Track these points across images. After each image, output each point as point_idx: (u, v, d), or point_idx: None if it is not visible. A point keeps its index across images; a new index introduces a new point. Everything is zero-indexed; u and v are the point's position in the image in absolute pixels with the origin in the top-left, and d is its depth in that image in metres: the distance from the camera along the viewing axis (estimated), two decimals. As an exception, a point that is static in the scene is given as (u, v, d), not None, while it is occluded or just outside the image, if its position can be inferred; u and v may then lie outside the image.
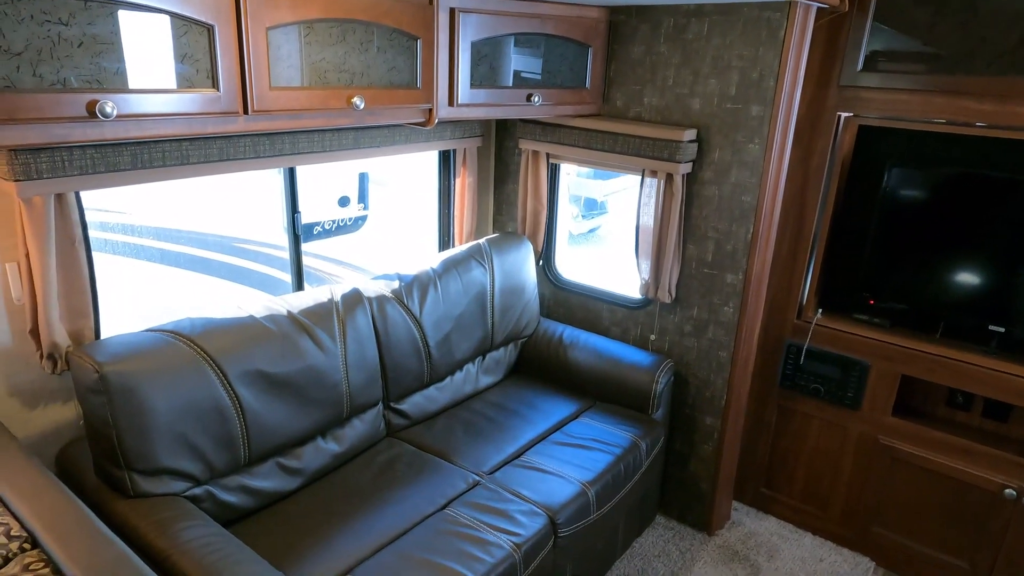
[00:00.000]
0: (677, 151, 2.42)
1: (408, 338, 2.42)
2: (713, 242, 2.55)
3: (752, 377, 2.77)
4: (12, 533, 1.29)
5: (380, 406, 2.40)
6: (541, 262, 3.06)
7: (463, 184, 2.90)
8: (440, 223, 3.05)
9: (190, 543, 1.60)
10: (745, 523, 2.90)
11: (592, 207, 7.83)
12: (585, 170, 7.59)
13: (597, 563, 2.47)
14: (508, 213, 3.16)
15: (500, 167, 3.12)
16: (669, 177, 2.49)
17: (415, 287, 2.49)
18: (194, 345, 1.88)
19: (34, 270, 1.74)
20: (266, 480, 2.04)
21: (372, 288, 2.40)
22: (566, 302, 3.06)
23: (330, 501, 2.07)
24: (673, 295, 2.64)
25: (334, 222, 4.21)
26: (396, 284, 2.46)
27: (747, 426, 2.88)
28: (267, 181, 4.36)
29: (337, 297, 2.27)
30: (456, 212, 2.98)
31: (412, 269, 2.56)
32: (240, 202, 4.35)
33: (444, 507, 2.07)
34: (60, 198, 1.74)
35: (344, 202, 4.79)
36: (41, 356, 1.83)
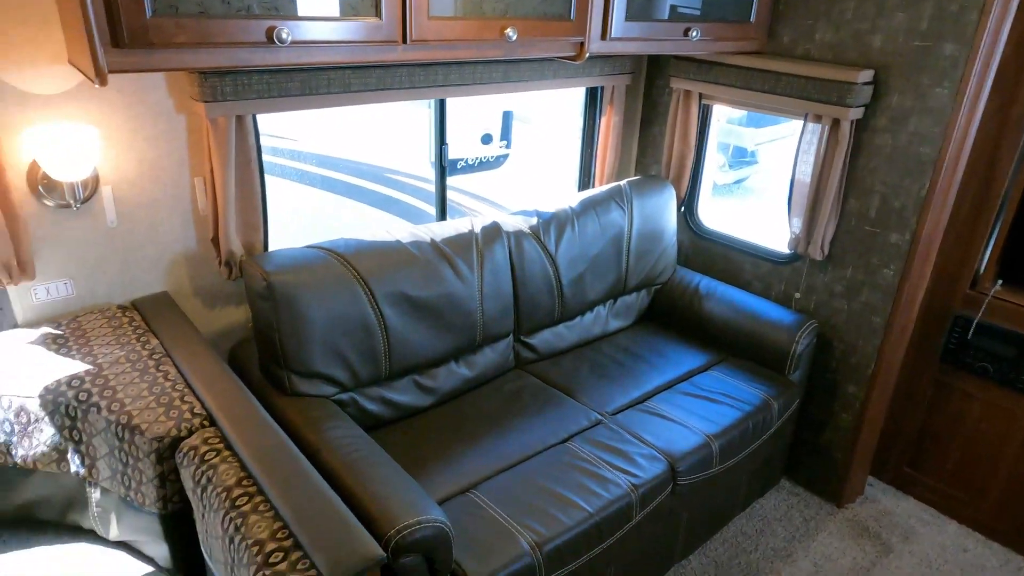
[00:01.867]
0: (848, 94, 2.20)
1: (542, 274, 2.45)
2: (879, 197, 2.32)
3: (907, 348, 2.54)
4: (195, 411, 1.49)
5: (511, 338, 2.48)
6: (683, 208, 2.96)
7: (608, 123, 2.84)
8: (581, 163, 3.02)
9: (336, 441, 1.77)
10: (880, 500, 2.73)
11: (740, 156, 7.38)
12: (736, 116, 7.13)
13: (714, 516, 2.44)
14: (652, 156, 3.06)
15: (648, 107, 3.01)
16: (835, 123, 2.28)
17: (552, 225, 2.50)
18: (347, 264, 2.02)
19: (217, 185, 1.94)
20: (403, 394, 2.19)
21: (511, 223, 2.45)
22: (705, 252, 2.95)
23: (458, 421, 2.19)
24: (826, 252, 2.46)
25: (477, 158, 4.29)
26: (534, 220, 2.49)
27: (894, 399, 2.67)
28: (416, 116, 4.50)
29: (477, 229, 2.34)
30: (599, 152, 2.93)
31: (550, 207, 2.57)
32: (391, 135, 4.55)
33: (565, 440, 2.12)
34: (240, 120, 1.91)
35: (487, 139, 4.85)
36: (219, 262, 2.06)
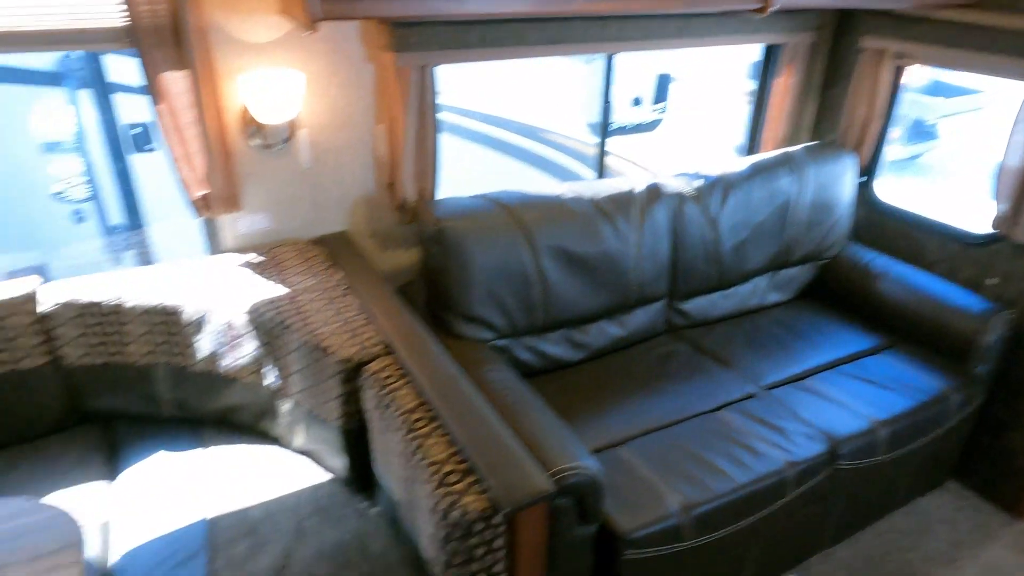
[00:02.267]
0: (1088, 53, 1.91)
1: (702, 239, 2.38)
2: (1113, 175, 2.01)
3: None
4: (376, 340, 1.61)
5: (664, 301, 2.44)
6: (862, 181, 2.73)
7: (785, 85, 2.66)
8: (750, 126, 2.87)
9: (495, 383, 1.84)
10: (1069, 518, 2.43)
11: (919, 130, 6.68)
12: (921, 84, 6.43)
13: (870, 506, 2.30)
14: (830, 122, 2.84)
15: (831, 68, 2.78)
16: (1066, 87, 1.99)
17: (717, 189, 2.41)
18: (512, 214, 2.07)
19: (397, 133, 2.05)
20: (554, 347, 2.23)
21: (673, 184, 2.38)
22: (882, 228, 2.71)
23: (607, 378, 2.21)
24: (1035, 235, 2.18)
25: (631, 121, 4.21)
26: (698, 183, 2.41)
27: (1102, 408, 2.35)
28: (572, 76, 4.45)
29: (639, 189, 2.30)
30: (770, 115, 2.76)
31: (716, 170, 2.47)
32: (546, 94, 4.56)
33: (716, 410, 2.07)
34: (423, 70, 1.99)
35: (637, 102, 4.73)
36: (394, 207, 2.18)
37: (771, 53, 2.71)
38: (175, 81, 1.72)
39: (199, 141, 1.80)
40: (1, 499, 1.24)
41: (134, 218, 2.98)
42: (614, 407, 2.07)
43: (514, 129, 4.26)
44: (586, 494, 1.55)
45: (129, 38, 1.64)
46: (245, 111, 1.88)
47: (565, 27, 2.11)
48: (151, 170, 2.96)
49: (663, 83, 4.73)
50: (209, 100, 1.77)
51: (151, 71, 1.69)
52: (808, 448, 1.92)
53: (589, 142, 4.06)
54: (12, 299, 1.72)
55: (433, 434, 1.30)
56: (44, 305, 1.76)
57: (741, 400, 2.12)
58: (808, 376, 2.24)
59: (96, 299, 1.77)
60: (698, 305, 2.52)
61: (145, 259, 3.00)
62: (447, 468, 1.22)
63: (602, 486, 1.58)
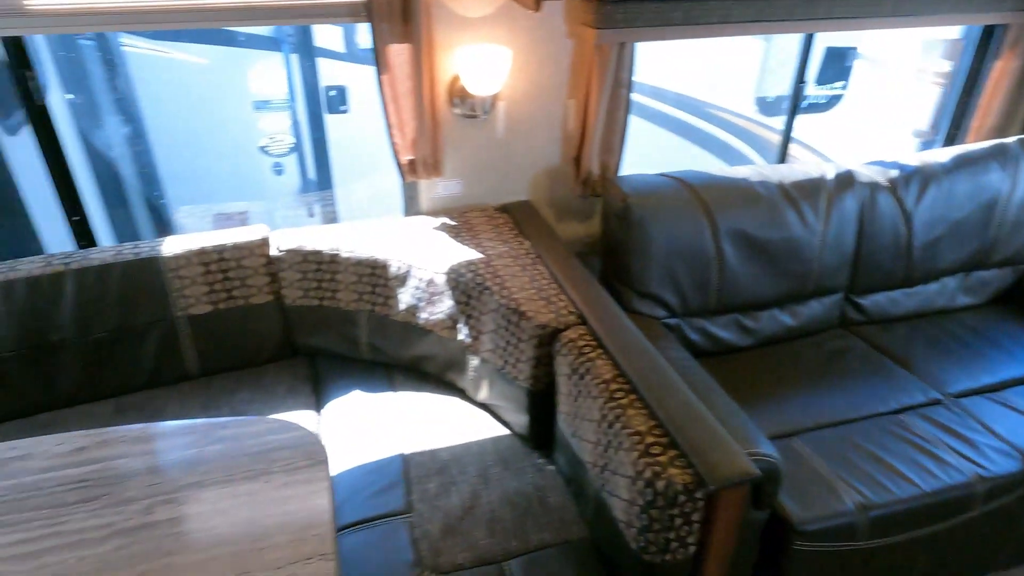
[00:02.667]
0: None
1: (892, 233, 2.26)
2: None
3: None
4: (570, 309, 1.69)
5: (841, 294, 2.35)
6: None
7: (1003, 70, 2.43)
8: (955, 112, 2.65)
9: (671, 361, 1.87)
10: None
11: None
12: None
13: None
14: (1052, 111, 2.57)
15: (1061, 51, 2.50)
16: None
17: (915, 180, 2.27)
18: (696, 194, 2.07)
19: (589, 107, 2.09)
20: (724, 330, 2.23)
21: (866, 173, 2.27)
22: (1105, 234, 2.44)
23: (776, 367, 2.18)
24: None
25: (806, 98, 3.99)
26: (893, 173, 2.28)
27: None
28: (741, 50, 4.28)
29: (829, 175, 2.22)
30: (980, 103, 2.54)
31: (914, 160, 2.32)
32: (711, 65, 4.41)
33: (897, 412, 2.00)
34: (622, 47, 2.01)
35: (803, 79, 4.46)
36: (576, 180, 2.25)
37: (989, 34, 2.47)
38: (399, 53, 1.86)
39: (413, 109, 1.94)
40: (254, 417, 1.45)
41: (324, 176, 3.25)
42: (784, 397, 2.05)
43: (674, 102, 4.17)
44: (763, 481, 1.56)
45: (366, 12, 1.79)
46: (454, 82, 2.00)
47: (771, 5, 2.05)
48: (341, 131, 3.21)
49: (841, 59, 4.42)
50: (426, 71, 1.89)
51: (380, 43, 1.83)
52: (1002, 465, 1.81)
53: (759, 121, 3.89)
54: (250, 242, 1.96)
55: (632, 405, 1.37)
56: (274, 250, 1.99)
57: (925, 405, 2.02)
58: (1004, 388, 2.09)
59: (317, 248, 1.98)
60: (877, 301, 2.40)
61: (334, 216, 3.28)
62: (649, 439, 1.29)
63: (780, 475, 1.59)
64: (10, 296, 1.78)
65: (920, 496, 1.72)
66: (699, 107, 4.14)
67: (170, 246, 1.92)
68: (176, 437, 1.38)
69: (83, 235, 2.06)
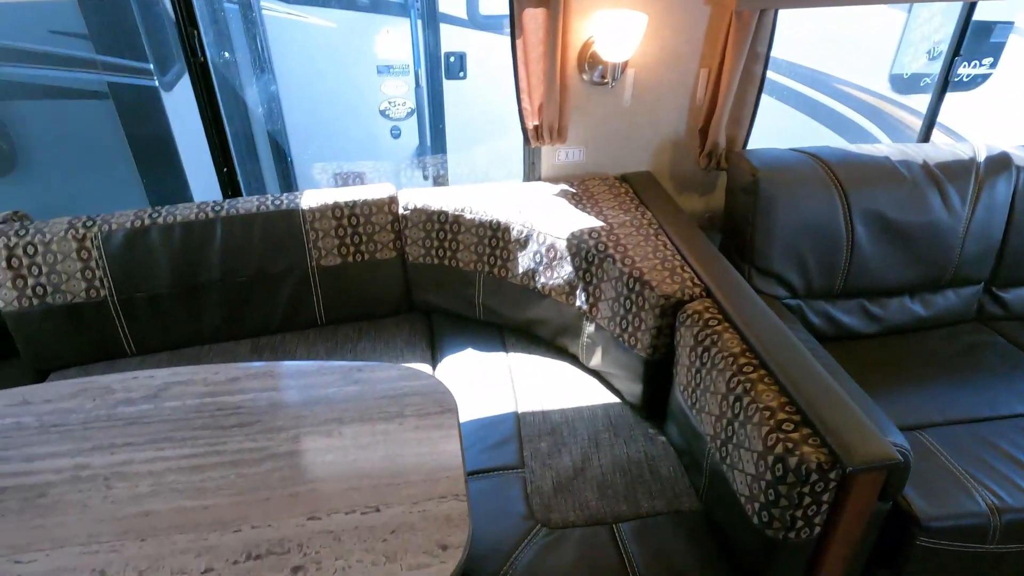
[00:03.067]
0: None
1: (1048, 223, 2.08)
2: None
3: None
4: (694, 281, 1.67)
5: (980, 286, 2.20)
6: None
7: None
8: None
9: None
10: None
11: None
12: None
13: None
14: None
15: None
16: None
17: (1080, 166, 2.07)
18: (830, 172, 1.98)
19: (723, 77, 2.03)
20: (848, 315, 2.14)
21: (1022, 156, 2.09)
22: None
23: (903, 358, 2.07)
24: None
25: (957, 76, 3.69)
26: (1056, 158, 2.09)
27: None
28: (883, 23, 4.02)
29: (980, 157, 2.06)
30: None
31: (1081, 144, 2.12)
32: (841, 37, 4.16)
33: (1040, 414, 1.86)
34: (763, 14, 1.93)
35: (934, 55, 4.12)
36: (700, 152, 2.19)
37: None
38: (534, 17, 1.87)
39: (543, 74, 1.95)
40: (387, 364, 1.53)
41: (439, 140, 3.33)
42: (911, 389, 1.95)
43: (798, 75, 3.96)
44: (895, 470, 1.50)
45: (505, -24, 1.81)
46: (586, 48, 1.99)
47: (931, -30, 1.90)
48: (457, 97, 3.26)
49: (987, 33, 4.06)
50: (560, 36, 1.89)
51: (517, 6, 1.85)
52: None
53: (891, 99, 3.66)
54: (379, 199, 2.05)
55: (762, 380, 1.35)
56: (401, 208, 2.07)
57: (1073, 410, 1.88)
58: None
59: (442, 208, 2.04)
60: (1020, 296, 2.23)
61: (445, 180, 3.36)
62: (781, 416, 1.26)
63: (909, 467, 1.52)
64: (169, 238, 1.95)
65: (1064, 505, 1.61)
66: (825, 82, 3.92)
67: (307, 199, 2.03)
68: (318, 376, 1.48)
69: (231, 185, 2.22)
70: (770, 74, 2.14)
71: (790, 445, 1.22)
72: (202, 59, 1.98)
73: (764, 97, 2.17)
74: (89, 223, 1.91)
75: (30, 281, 1.89)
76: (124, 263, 1.93)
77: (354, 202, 2.04)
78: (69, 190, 2.72)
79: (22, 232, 1.88)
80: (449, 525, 1.14)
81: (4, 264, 1.87)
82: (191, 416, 1.38)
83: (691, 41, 2.06)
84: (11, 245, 1.87)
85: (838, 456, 1.17)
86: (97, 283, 1.93)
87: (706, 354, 1.50)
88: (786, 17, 2.03)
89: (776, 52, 2.14)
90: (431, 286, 2.17)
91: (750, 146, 2.20)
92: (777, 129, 3.84)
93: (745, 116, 2.13)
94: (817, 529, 1.28)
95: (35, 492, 1.21)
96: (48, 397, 1.44)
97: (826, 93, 3.84)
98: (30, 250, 1.88)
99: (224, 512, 1.17)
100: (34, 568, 1.08)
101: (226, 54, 2.92)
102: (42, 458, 1.28)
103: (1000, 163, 2.05)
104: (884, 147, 2.09)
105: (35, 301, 1.91)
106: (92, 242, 1.90)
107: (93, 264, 1.91)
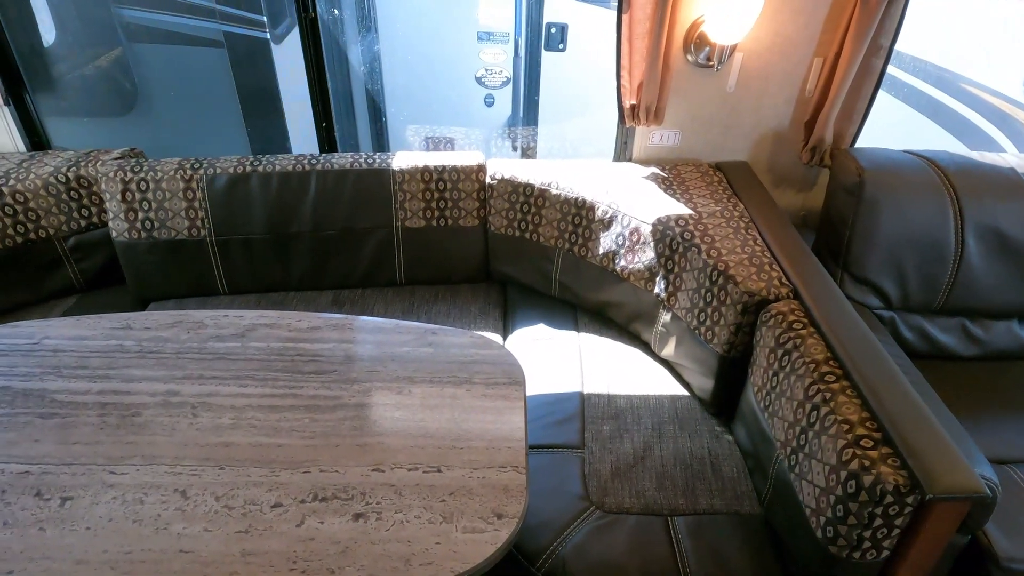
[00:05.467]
0: None
1: None
2: None
3: None
4: (782, 281, 1.61)
5: (1104, 319, 2.01)
6: None
7: None
8: None
9: (883, 355, 1.73)
10: None
11: None
12: None
13: None
14: None
15: None
16: None
17: None
18: (946, 179, 1.85)
19: (839, 67, 1.91)
20: (945, 334, 2.00)
21: None
22: None
23: (1002, 386, 1.93)
24: None
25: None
26: None
27: None
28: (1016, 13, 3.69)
29: (1123, 178, 1.87)
30: None
31: None
32: (972, 32, 3.83)
33: None
34: (892, 3, 1.80)
35: None
36: (804, 146, 2.09)
37: None
38: (644, -8, 1.81)
39: (647, 52, 1.89)
40: (461, 330, 1.56)
41: (531, 112, 3.31)
42: (1009, 420, 1.82)
43: (923, 73, 3.68)
44: (980, 504, 1.41)
45: (619, -53, 1.76)
46: (693, 28, 1.92)
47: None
48: (554, 69, 3.22)
49: None
50: (668, 13, 1.83)
51: (627, -20, 1.79)
52: None
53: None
54: (468, 167, 2.06)
55: (843, 392, 1.29)
56: (488, 178, 2.08)
57: None
58: None
59: (529, 181, 2.04)
60: None
61: (533, 153, 3.34)
62: (860, 431, 1.21)
63: (996, 502, 1.43)
64: (267, 186, 2.03)
65: None
66: (951, 81, 3.63)
67: (398, 160, 2.07)
68: (394, 334, 1.52)
69: (328, 140, 2.29)
70: (890, 68, 2.00)
71: (867, 463, 1.16)
72: (312, 15, 2.04)
73: (880, 93, 2.03)
74: (196, 165, 2.02)
75: (140, 215, 2.03)
76: (224, 206, 2.04)
77: (443, 167, 2.06)
78: (180, 132, 2.87)
79: (137, 168, 2.01)
80: (506, 495, 1.15)
81: (119, 197, 2.01)
82: (273, 358, 1.45)
83: (809, 26, 1.95)
84: (127, 180, 2.00)
85: (918, 481, 1.10)
86: (199, 223, 2.04)
87: (786, 357, 1.44)
88: (916, 7, 1.88)
89: (899, 46, 2.00)
90: (510, 258, 2.18)
91: (858, 144, 2.08)
92: (890, 127, 3.60)
93: (858, 112, 2.01)
94: (885, 553, 1.22)
95: (131, 411, 1.31)
96: (148, 325, 1.54)
97: (950, 93, 3.56)
98: (143, 186, 2.01)
99: (296, 452, 1.23)
100: (126, 480, 1.17)
101: (335, 11, 2.99)
102: (139, 380, 1.39)
103: None
104: (1011, 157, 1.92)
105: (143, 234, 2.04)
106: (197, 184, 2.01)
107: (196, 204, 2.03)
